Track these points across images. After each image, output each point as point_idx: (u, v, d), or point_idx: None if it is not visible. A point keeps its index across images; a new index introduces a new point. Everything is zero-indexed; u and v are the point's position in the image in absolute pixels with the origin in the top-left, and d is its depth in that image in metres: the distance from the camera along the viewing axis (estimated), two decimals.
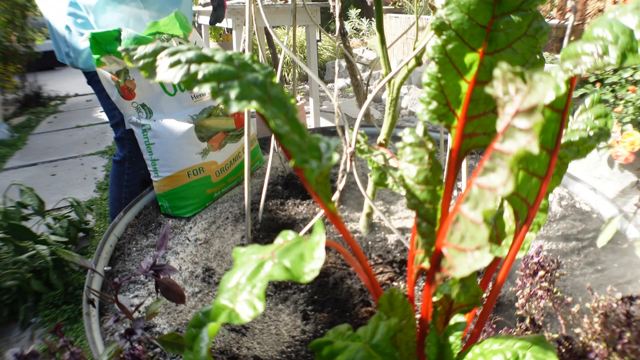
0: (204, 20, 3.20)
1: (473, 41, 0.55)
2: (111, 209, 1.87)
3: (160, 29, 1.38)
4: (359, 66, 5.34)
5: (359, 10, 6.81)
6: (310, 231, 1.08)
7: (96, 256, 1.22)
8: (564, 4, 3.70)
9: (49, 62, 5.34)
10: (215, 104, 1.52)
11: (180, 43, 1.39)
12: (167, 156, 1.44)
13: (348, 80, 5.09)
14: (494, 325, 0.85)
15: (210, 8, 2.78)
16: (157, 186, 1.46)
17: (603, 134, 0.59)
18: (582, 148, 0.59)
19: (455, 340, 0.55)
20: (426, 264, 0.59)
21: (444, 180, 0.60)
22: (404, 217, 1.39)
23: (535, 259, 0.83)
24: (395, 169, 0.74)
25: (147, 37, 1.33)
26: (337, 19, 1.13)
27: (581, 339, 0.75)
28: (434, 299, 0.56)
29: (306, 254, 0.39)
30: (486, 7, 0.54)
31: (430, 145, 0.61)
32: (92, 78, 1.61)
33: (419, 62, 0.92)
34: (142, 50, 0.44)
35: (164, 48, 0.43)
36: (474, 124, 0.58)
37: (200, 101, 1.50)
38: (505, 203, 0.60)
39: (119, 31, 1.31)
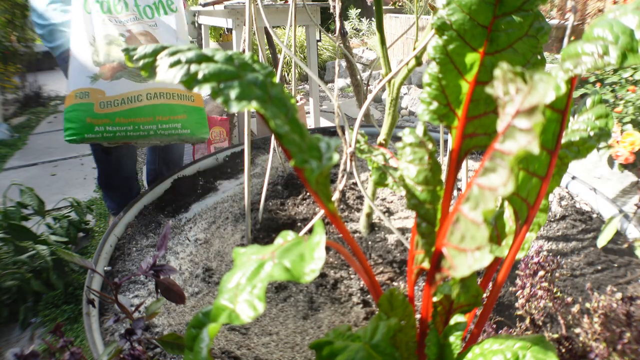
0: (204, 20, 3.19)
1: (474, 41, 0.55)
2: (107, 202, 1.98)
3: None
4: (359, 66, 5.34)
5: (359, 10, 6.81)
6: (310, 231, 1.07)
7: (96, 256, 1.22)
8: (564, 4, 3.70)
9: (49, 62, 5.32)
10: (119, 32, 1.46)
11: None
12: (69, 70, 1.45)
13: (348, 80, 5.09)
14: (494, 325, 0.85)
15: (210, 8, 2.79)
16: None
17: (603, 134, 0.59)
18: (582, 148, 0.59)
19: (455, 340, 0.55)
20: (426, 264, 0.59)
21: (444, 181, 0.60)
22: (404, 217, 1.39)
23: (535, 259, 0.83)
24: (395, 169, 0.74)
25: None
26: (337, 19, 1.13)
27: (581, 339, 0.75)
28: (434, 299, 0.56)
29: (306, 255, 0.39)
30: (487, 8, 0.54)
31: (430, 146, 0.61)
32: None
33: (419, 62, 0.92)
34: (142, 50, 0.44)
35: (164, 48, 0.43)
36: (475, 124, 0.58)
37: (108, 26, 1.46)
38: (506, 203, 0.60)
39: None
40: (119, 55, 1.46)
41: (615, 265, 1.16)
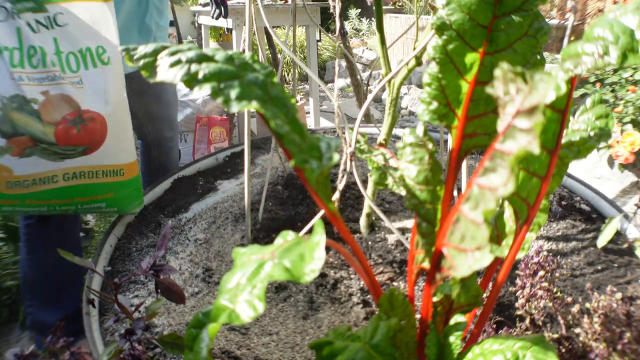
0: (204, 20, 3.19)
1: (474, 41, 0.55)
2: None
3: None
4: (359, 66, 5.34)
5: (359, 10, 6.81)
6: (310, 231, 1.07)
7: (96, 256, 1.22)
8: (564, 4, 3.71)
9: None
10: (30, 96, 1.13)
11: None
12: None
13: (348, 80, 5.09)
14: (494, 325, 0.85)
15: (210, 8, 2.79)
16: None
17: (604, 134, 0.59)
18: (582, 148, 0.59)
19: (455, 340, 0.55)
20: (426, 264, 0.59)
21: (444, 181, 0.60)
22: (404, 217, 1.39)
23: (535, 259, 0.83)
24: (396, 169, 0.74)
25: None
26: (337, 19, 1.12)
27: (581, 339, 0.75)
28: (434, 299, 0.56)
29: (306, 255, 0.39)
30: (487, 8, 0.54)
31: (430, 146, 0.61)
32: None
33: (419, 62, 0.92)
34: (142, 49, 0.44)
35: (164, 47, 0.43)
36: (475, 124, 0.58)
37: (18, 84, 1.11)
38: (506, 203, 0.60)
39: None
40: (28, 128, 1.16)
41: (615, 265, 1.16)
